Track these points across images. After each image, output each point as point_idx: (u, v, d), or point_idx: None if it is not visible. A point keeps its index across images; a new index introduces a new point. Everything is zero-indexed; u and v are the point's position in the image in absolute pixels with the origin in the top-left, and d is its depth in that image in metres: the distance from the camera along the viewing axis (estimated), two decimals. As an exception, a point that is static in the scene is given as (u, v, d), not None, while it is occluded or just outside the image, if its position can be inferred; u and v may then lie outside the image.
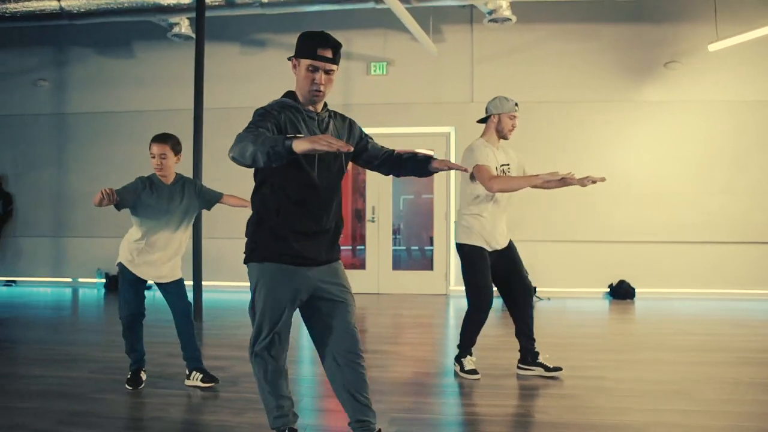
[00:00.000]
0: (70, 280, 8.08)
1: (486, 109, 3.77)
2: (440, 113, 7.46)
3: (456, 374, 3.76)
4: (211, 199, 3.58)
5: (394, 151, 2.51)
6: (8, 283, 8.12)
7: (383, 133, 7.62)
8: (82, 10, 6.24)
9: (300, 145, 1.86)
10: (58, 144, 8.10)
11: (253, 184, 2.39)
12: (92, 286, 7.93)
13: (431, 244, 8.04)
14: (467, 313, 3.74)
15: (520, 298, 3.75)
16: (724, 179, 7.02)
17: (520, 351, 3.78)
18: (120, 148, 7.80)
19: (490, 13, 5.96)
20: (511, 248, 3.74)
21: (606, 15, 7.21)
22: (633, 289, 7.06)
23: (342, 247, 2.50)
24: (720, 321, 5.81)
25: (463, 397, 3.45)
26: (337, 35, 8.35)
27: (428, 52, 6.87)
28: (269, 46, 7.78)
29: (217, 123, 6.96)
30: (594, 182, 3.58)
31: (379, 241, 7.68)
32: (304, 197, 2.26)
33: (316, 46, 2.20)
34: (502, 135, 3.71)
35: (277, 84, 7.95)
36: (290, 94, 2.33)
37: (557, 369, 3.68)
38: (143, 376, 3.52)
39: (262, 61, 7.73)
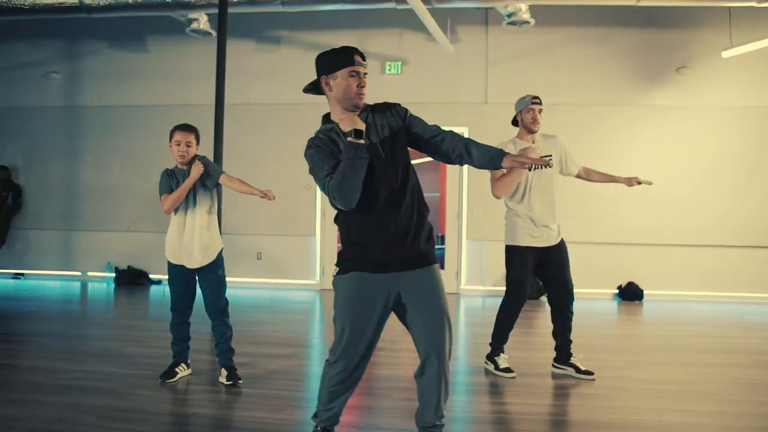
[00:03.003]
0: (79, 273, 8.05)
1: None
2: (455, 113, 7.50)
3: (488, 372, 3.82)
4: (211, 173, 3.45)
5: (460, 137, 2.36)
6: (16, 276, 8.09)
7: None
8: (102, 3, 6.21)
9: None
10: (69, 137, 8.06)
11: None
12: (101, 280, 7.92)
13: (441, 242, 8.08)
14: (502, 305, 3.81)
15: (560, 301, 3.81)
16: (733, 184, 7.11)
17: (555, 350, 3.85)
18: (133, 142, 7.81)
19: (510, 15, 5.99)
20: (561, 249, 3.78)
21: (620, 20, 7.27)
22: (641, 291, 7.14)
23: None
24: (730, 323, 5.90)
25: (495, 395, 3.49)
26: (352, 34, 8.46)
27: (445, 52, 6.91)
28: (285, 44, 7.79)
29: (230, 118, 6.97)
30: (640, 183, 3.86)
31: (390, 240, 7.70)
32: (370, 197, 2.23)
33: (351, 54, 2.26)
34: (528, 129, 3.77)
35: (291, 81, 7.99)
36: (326, 118, 2.35)
37: (588, 372, 3.73)
38: (179, 370, 3.54)
39: (277, 58, 7.75)
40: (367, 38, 7.64)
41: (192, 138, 3.43)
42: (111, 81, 7.97)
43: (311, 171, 2.27)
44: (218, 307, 3.50)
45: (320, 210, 7.68)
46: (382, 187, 2.24)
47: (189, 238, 3.42)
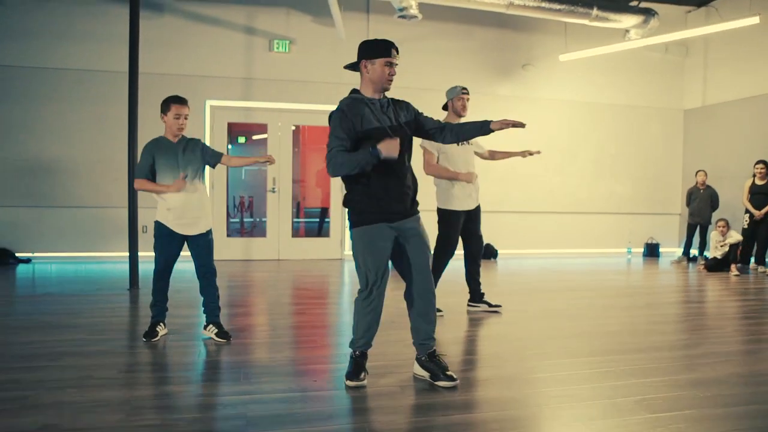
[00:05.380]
0: None
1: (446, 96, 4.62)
2: (338, 93, 7.93)
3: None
4: (212, 156, 3.76)
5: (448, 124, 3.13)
6: None
7: (284, 108, 8.02)
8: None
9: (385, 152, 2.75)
10: None
11: None
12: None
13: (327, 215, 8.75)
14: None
15: (474, 251, 4.72)
16: (559, 163, 8.85)
17: (469, 293, 4.77)
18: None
19: (401, 9, 6.73)
20: (478, 211, 4.67)
21: (479, 20, 8.46)
22: (496, 250, 8.57)
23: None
24: (567, 271, 7.53)
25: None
26: (240, 9, 8.74)
27: (337, 35, 7.44)
28: (167, 12, 7.59)
29: (98, 85, 6.98)
30: (531, 154, 4.85)
31: (279, 211, 8.09)
32: (395, 162, 2.83)
33: (390, 48, 2.88)
34: (458, 114, 4.56)
35: (172, 50, 7.81)
36: (356, 91, 2.94)
37: (497, 306, 4.74)
38: (159, 330, 3.74)
39: (158, 26, 7.53)
40: (255, 15, 7.82)
41: (188, 111, 3.63)
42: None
43: (330, 133, 2.82)
44: (212, 268, 3.77)
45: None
46: (401, 157, 2.87)
47: (194, 208, 3.63)
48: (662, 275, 7.49)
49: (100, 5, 7.32)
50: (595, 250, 9.17)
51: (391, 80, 2.89)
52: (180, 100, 3.67)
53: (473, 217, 4.68)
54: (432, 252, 4.61)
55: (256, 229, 9.80)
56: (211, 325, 3.78)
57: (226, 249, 7.92)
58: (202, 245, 3.75)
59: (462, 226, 4.65)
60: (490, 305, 4.77)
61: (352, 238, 2.96)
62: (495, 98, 8.65)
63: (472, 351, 3.83)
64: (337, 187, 8.29)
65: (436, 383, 2.93)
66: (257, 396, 2.76)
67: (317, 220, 10.17)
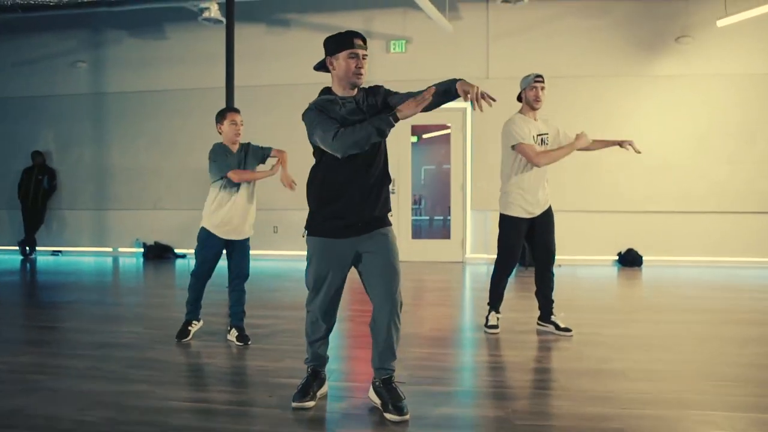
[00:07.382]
0: (110, 249, 8.68)
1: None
2: (456, 89, 7.74)
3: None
4: (264, 151, 4.04)
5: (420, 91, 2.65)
6: (54, 253, 8.76)
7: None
8: (120, -4, 6.67)
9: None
10: (96, 122, 8.62)
11: None
12: (131, 255, 8.53)
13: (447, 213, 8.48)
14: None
15: (541, 263, 4.15)
16: (730, 150, 7.26)
17: (539, 309, 4.20)
18: (154, 125, 8.31)
19: (504, -7, 6.21)
20: (547, 215, 4.09)
21: (618, -9, 7.39)
22: (640, 257, 7.39)
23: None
24: (718, 286, 6.17)
25: (492, 348, 3.87)
26: (358, 15, 8.79)
27: (443, 30, 7.16)
28: (294, 26, 8.13)
29: (245, 100, 7.40)
30: (631, 145, 4.21)
31: (398, 211, 8.09)
32: (342, 166, 2.60)
33: (351, 38, 2.58)
34: (531, 106, 4.01)
35: (301, 61, 8.29)
36: (326, 90, 2.72)
37: (567, 330, 4.07)
38: (191, 328, 4.00)
39: (287, 40, 8.10)
40: (372, 18, 7.93)
41: (241, 118, 3.89)
42: (131, 68, 8.46)
43: (312, 126, 2.60)
44: (245, 274, 3.95)
45: (331, 185, 8.09)
46: (360, 158, 2.60)
47: (240, 214, 3.83)
48: None
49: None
50: (787, 258, 7.33)
51: (360, 74, 2.59)
52: (234, 109, 3.94)
53: (541, 224, 4.08)
54: (495, 260, 4.20)
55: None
56: (233, 329, 3.94)
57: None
58: (239, 250, 3.93)
59: (528, 235, 4.10)
60: (558, 327, 4.11)
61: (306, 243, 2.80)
62: (649, 79, 7.47)
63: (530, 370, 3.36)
64: (458, 186, 7.99)
65: (384, 414, 2.64)
66: (193, 405, 2.81)
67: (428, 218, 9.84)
